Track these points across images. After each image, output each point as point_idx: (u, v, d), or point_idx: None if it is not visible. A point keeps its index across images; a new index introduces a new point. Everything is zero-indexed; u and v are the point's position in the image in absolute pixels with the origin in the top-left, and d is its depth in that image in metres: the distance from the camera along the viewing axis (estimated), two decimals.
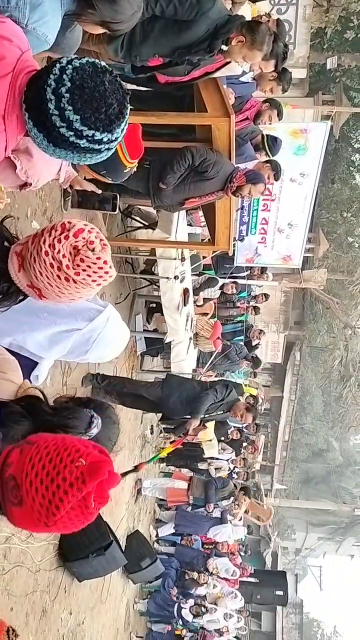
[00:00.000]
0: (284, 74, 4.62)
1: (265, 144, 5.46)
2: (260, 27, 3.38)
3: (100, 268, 1.51)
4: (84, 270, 1.51)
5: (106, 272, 1.53)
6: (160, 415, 7.41)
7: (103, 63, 1.46)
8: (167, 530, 9.05)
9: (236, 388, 8.98)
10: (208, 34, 3.24)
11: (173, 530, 9.11)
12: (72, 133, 1.40)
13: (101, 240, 1.55)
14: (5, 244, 1.64)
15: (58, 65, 1.41)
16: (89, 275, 1.51)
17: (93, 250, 1.52)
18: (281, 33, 3.87)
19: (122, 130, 1.45)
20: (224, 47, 3.30)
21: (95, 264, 1.51)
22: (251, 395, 9.65)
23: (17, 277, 1.58)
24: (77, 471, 1.21)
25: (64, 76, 1.39)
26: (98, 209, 2.82)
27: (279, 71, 4.23)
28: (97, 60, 1.45)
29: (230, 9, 4.10)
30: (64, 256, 1.50)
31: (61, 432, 1.50)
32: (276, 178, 5.70)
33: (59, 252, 1.50)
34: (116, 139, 1.45)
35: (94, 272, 1.51)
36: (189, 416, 6.08)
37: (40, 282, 1.53)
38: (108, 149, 1.46)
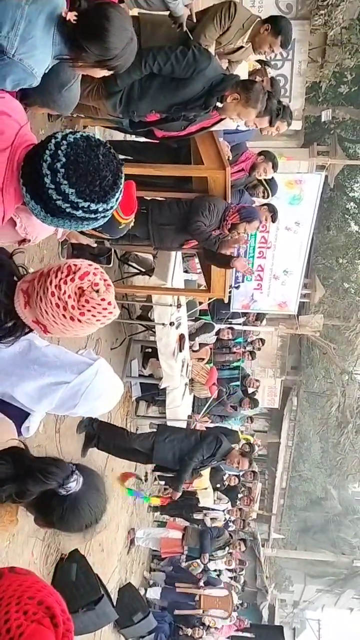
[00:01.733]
0: (284, 110, 4.70)
1: (263, 181, 5.51)
2: (254, 86, 3.50)
3: (105, 309, 1.58)
4: (88, 310, 1.57)
5: (110, 312, 1.60)
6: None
7: (97, 137, 1.55)
8: (156, 592, 8.74)
9: (232, 435, 8.91)
10: (204, 91, 3.35)
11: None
12: (68, 205, 1.46)
13: (105, 281, 1.62)
14: (14, 278, 1.70)
15: (53, 141, 1.48)
16: (94, 315, 1.58)
17: (97, 291, 1.58)
18: (275, 91, 3.99)
19: (117, 199, 1.52)
20: (219, 104, 3.40)
21: (99, 304, 1.57)
22: (247, 443, 9.54)
23: (23, 313, 1.64)
24: None
25: (59, 152, 1.46)
26: (93, 262, 2.85)
27: (275, 124, 4.31)
28: (90, 134, 1.53)
29: (227, 67, 4.24)
30: (69, 297, 1.56)
31: (38, 475, 1.49)
32: (273, 220, 5.82)
33: (64, 293, 1.56)
34: (111, 207, 1.52)
35: (99, 312, 1.58)
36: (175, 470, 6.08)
37: (45, 320, 1.60)
38: (104, 217, 1.53)
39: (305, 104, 12.49)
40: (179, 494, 6.14)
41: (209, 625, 8.81)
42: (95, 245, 2.62)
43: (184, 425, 7.43)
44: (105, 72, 2.11)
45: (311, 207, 7.51)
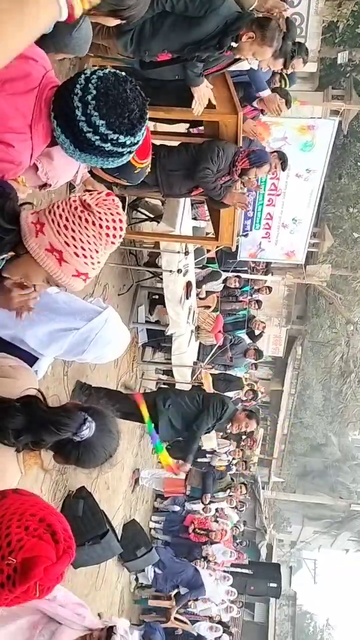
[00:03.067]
0: (300, 47, 4.53)
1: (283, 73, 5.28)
2: (270, 23, 3.38)
3: (118, 213, 1.58)
4: (104, 212, 1.55)
5: (120, 227, 1.58)
6: None
7: (123, 73, 1.56)
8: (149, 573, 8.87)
9: (235, 382, 9.05)
10: (218, 30, 3.25)
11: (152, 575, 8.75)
12: (97, 137, 1.50)
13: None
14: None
15: (83, 76, 1.52)
16: (107, 220, 1.55)
17: (117, 206, 1.60)
18: (291, 31, 3.85)
19: (143, 133, 1.53)
20: (233, 44, 3.30)
21: (115, 207, 1.58)
22: (251, 390, 9.70)
23: (34, 243, 1.57)
24: (8, 569, 1.14)
25: (89, 85, 1.49)
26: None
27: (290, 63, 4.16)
28: (117, 71, 1.55)
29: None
30: (88, 199, 1.57)
31: (52, 427, 1.54)
32: (283, 168, 5.72)
33: (85, 199, 1.57)
34: (138, 142, 1.54)
35: (112, 214, 1.56)
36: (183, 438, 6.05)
37: (60, 238, 1.54)
38: (130, 152, 1.55)
39: (321, 45, 12.04)
40: (189, 465, 6.13)
41: (209, 559, 9.20)
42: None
43: (189, 372, 7.53)
44: (118, 21, 2.07)
45: (323, 154, 7.37)
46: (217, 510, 9.55)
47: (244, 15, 3.31)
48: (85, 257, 1.56)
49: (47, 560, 1.18)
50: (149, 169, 2.44)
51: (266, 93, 4.80)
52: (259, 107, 4.86)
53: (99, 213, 1.54)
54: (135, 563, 7.82)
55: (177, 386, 8.96)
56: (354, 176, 19.26)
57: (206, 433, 6.13)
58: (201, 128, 4.92)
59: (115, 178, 2.26)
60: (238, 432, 6.24)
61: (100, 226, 1.54)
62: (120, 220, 1.58)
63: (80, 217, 1.53)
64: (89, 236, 1.55)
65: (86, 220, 1.54)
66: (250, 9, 3.63)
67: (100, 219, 1.54)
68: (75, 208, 1.54)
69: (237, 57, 3.47)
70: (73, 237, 1.54)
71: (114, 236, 1.58)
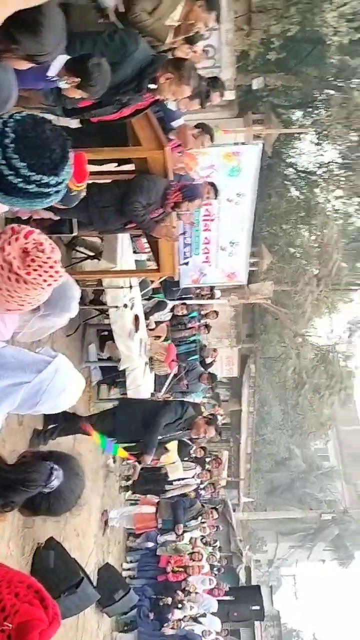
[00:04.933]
0: (215, 81, 4.72)
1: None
2: (185, 63, 3.52)
3: (51, 267, 1.57)
4: (34, 270, 1.57)
5: (57, 272, 1.59)
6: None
7: (41, 115, 1.56)
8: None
9: (195, 407, 9.07)
10: (134, 73, 3.35)
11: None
12: (20, 180, 1.49)
13: (50, 243, 1.61)
14: None
15: (0, 121, 1.51)
16: (40, 275, 1.58)
17: (43, 251, 1.60)
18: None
19: (67, 172, 1.54)
20: (151, 86, 3.41)
21: (46, 263, 1.58)
22: (210, 414, 9.73)
23: None
24: (2, 635, 1.16)
25: (7, 129, 1.49)
26: (55, 233, 2.87)
27: (205, 107, 4.36)
28: (35, 113, 1.56)
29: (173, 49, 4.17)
30: (14, 258, 1.57)
31: (20, 487, 1.52)
32: (215, 196, 5.89)
33: (9, 254, 1.57)
34: (63, 181, 1.54)
35: (45, 271, 1.58)
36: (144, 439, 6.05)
37: None
38: (57, 192, 1.55)
39: (236, 73, 12.51)
40: (150, 457, 6.05)
41: (189, 591, 9.06)
42: (57, 217, 2.65)
43: None
44: (31, 65, 2.10)
45: (251, 177, 7.62)
46: (190, 539, 9.45)
47: (159, 57, 3.43)
48: (16, 301, 1.59)
49: (41, 624, 1.17)
50: (84, 193, 2.49)
51: (178, 122, 4.93)
52: (175, 139, 5.00)
53: (29, 275, 1.55)
54: (114, 607, 7.62)
55: None
56: (282, 194, 19.93)
57: (169, 435, 6.05)
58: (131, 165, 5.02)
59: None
60: (197, 437, 6.22)
61: (33, 283, 1.56)
62: (56, 270, 1.59)
63: (9, 278, 1.55)
64: (20, 290, 1.58)
65: (17, 280, 1.55)
66: (166, 44, 3.79)
67: (33, 279, 1.55)
68: (4, 269, 1.54)
69: (157, 98, 3.58)
70: (1, 289, 1.56)
71: (50, 283, 1.60)
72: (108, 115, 3.63)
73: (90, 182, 4.71)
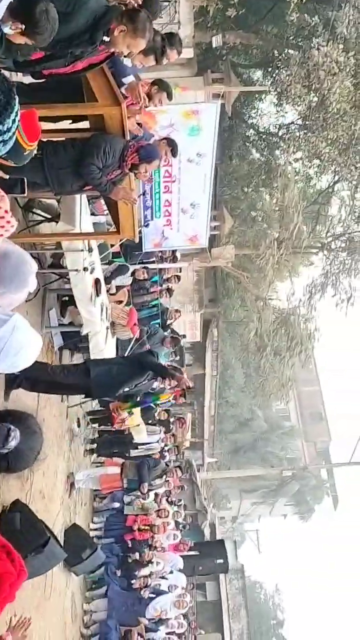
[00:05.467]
0: (172, 37, 4.57)
1: None
2: (139, 14, 3.42)
3: (2, 217, 1.54)
4: None
5: (7, 222, 1.57)
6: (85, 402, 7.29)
7: None
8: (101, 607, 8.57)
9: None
10: (88, 25, 3.24)
11: (105, 611, 8.44)
12: None
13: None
14: None
15: None
16: None
17: None
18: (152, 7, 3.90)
19: (13, 120, 1.51)
20: (105, 39, 3.31)
21: None
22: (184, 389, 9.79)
23: None
24: None
25: None
26: (7, 194, 2.80)
27: (161, 63, 4.25)
28: None
29: None
30: None
31: None
32: (173, 154, 5.80)
33: None
34: (8, 129, 1.50)
35: None
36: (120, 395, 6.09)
37: None
38: (2, 142, 1.51)
39: (194, 31, 12.26)
40: (181, 375, 6.16)
41: (155, 547, 9.28)
42: (7, 176, 2.57)
43: None
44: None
45: (211, 137, 7.55)
46: (156, 495, 9.64)
47: (113, 8, 3.32)
48: None
49: (10, 577, 1.20)
50: (35, 151, 2.43)
51: (129, 79, 4.80)
52: (130, 97, 4.88)
53: None
54: (82, 566, 7.76)
55: None
56: (243, 156, 19.83)
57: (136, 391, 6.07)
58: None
59: (2, 160, 2.22)
60: (170, 386, 6.30)
61: None
62: (7, 220, 1.56)
63: None
64: None
65: None
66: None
67: None
68: None
69: (112, 51, 3.48)
70: None
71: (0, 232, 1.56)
72: (60, 68, 3.52)
73: (45, 140, 4.61)
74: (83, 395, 6.58)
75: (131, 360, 6.13)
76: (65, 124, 4.95)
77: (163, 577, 9.42)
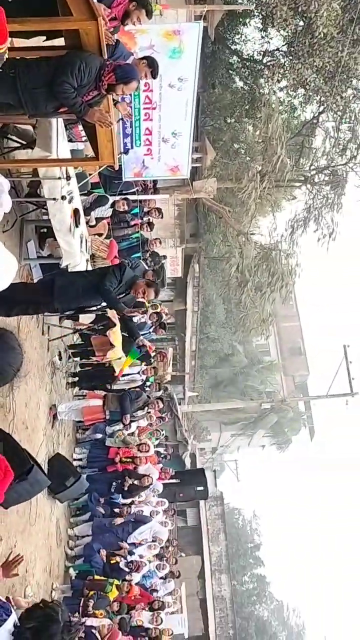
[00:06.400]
0: None
1: None
2: None
3: None
4: None
5: None
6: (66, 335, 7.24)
7: None
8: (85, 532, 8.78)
9: (139, 306, 9.10)
10: None
11: (89, 536, 8.65)
12: None
13: None
14: None
15: None
16: None
17: None
18: None
19: None
20: None
21: None
22: (155, 312, 9.79)
23: None
24: None
25: None
26: None
27: None
28: None
29: None
30: None
31: None
32: (153, 75, 5.54)
33: None
34: None
35: None
36: (89, 307, 6.04)
37: None
38: None
39: None
40: (128, 309, 5.92)
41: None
42: None
43: None
44: None
45: (193, 60, 7.24)
46: (137, 427, 9.82)
47: None
48: None
49: None
50: (7, 55, 2.28)
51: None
52: (112, 11, 4.60)
53: None
54: (65, 493, 7.98)
55: (81, 318, 8.92)
56: (227, 85, 19.12)
57: (114, 304, 5.94)
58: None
59: None
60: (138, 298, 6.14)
61: None
62: None
63: None
64: None
65: None
66: None
67: None
68: None
69: None
70: None
71: None
72: None
73: (18, 58, 4.35)
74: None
75: (99, 274, 5.95)
76: (39, 41, 4.67)
77: (145, 503, 9.74)
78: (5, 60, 2.53)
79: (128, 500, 9.33)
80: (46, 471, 6.98)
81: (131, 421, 9.20)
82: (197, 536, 21.25)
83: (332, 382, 21.94)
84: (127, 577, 8.32)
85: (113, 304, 5.88)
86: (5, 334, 1.67)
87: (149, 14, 4.91)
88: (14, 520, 5.80)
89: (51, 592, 7.33)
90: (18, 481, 5.18)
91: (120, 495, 9.18)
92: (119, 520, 8.85)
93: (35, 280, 7.62)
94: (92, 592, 7.55)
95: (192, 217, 20.13)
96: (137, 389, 9.51)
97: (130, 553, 8.66)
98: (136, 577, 8.60)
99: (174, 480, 13.19)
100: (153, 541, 9.13)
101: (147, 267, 9.70)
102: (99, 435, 9.51)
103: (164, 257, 10.92)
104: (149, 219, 10.57)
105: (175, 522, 16.59)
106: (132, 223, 10.17)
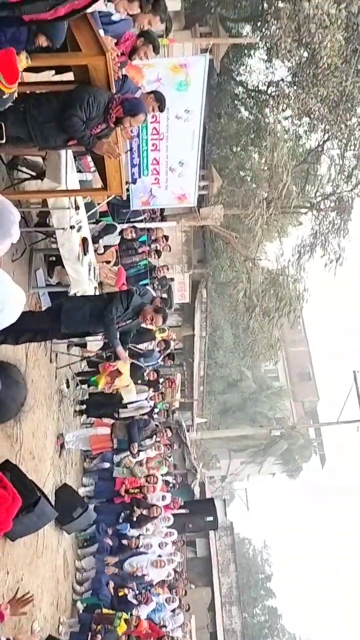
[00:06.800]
0: (157, 3, 4.50)
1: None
2: None
3: None
4: None
5: None
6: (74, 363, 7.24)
7: None
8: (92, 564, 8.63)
9: (147, 334, 9.11)
10: None
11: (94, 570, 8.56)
12: None
13: None
14: None
15: None
16: None
17: None
18: None
19: None
20: None
21: None
22: (163, 340, 9.79)
23: None
24: None
25: None
26: None
27: (147, 9, 4.12)
28: None
29: None
30: None
31: None
32: (161, 109, 5.63)
33: None
34: None
35: None
36: (95, 332, 6.06)
37: None
38: None
39: None
40: (120, 348, 5.95)
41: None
42: None
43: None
44: None
45: (199, 92, 7.35)
46: (146, 458, 9.71)
47: None
48: None
49: (6, 501, 1.20)
50: (16, 95, 2.32)
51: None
52: (120, 47, 4.70)
53: None
54: (73, 525, 7.87)
55: (89, 346, 8.93)
56: (232, 115, 19.42)
57: (118, 327, 5.91)
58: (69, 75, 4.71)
59: None
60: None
61: None
62: None
63: None
64: None
65: None
66: None
67: None
68: None
69: None
70: None
71: None
72: (41, 13, 3.34)
73: (27, 93, 4.44)
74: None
75: (105, 298, 5.98)
76: (49, 76, 4.76)
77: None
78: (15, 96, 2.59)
79: (136, 533, 9.18)
80: (53, 502, 6.90)
81: (139, 450, 9.11)
82: (207, 567, 20.84)
83: (342, 408, 21.73)
84: (135, 612, 8.14)
85: (110, 335, 5.89)
86: (10, 367, 1.65)
87: (156, 49, 5.01)
88: (21, 552, 5.71)
89: (58, 626, 7.18)
90: (25, 513, 5.15)
91: (129, 525, 9.04)
92: (112, 561, 8.66)
93: (43, 308, 7.65)
94: (100, 626, 7.37)
95: (200, 243, 20.26)
96: (146, 417, 9.44)
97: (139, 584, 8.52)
98: (145, 611, 8.42)
99: (183, 511, 13.00)
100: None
101: (155, 294, 9.73)
102: (107, 465, 9.41)
103: (171, 279, 10.94)
104: (156, 247, 10.64)
105: (185, 553, 16.29)
106: (140, 251, 10.24)
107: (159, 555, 9.25)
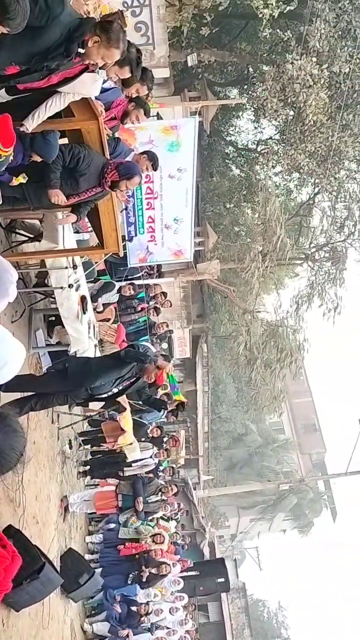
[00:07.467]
0: (144, 73, 4.72)
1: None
2: (112, 25, 3.42)
3: None
4: None
5: None
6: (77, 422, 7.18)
7: None
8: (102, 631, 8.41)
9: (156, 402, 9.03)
10: (62, 38, 3.24)
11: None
12: None
13: None
14: None
15: None
16: None
17: None
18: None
19: None
20: (80, 50, 3.31)
21: None
22: (180, 403, 9.68)
23: None
24: None
25: None
26: None
27: (137, 75, 4.33)
28: None
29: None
30: None
31: None
32: (154, 168, 5.81)
33: None
34: None
35: None
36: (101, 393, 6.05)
37: None
38: None
39: (169, 50, 12.40)
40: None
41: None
42: None
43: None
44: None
45: (190, 152, 7.60)
46: (153, 519, 9.45)
47: (86, 20, 3.33)
48: None
49: (5, 561, 1.15)
50: (12, 158, 2.40)
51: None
52: (111, 111, 4.89)
53: None
54: (79, 592, 7.56)
55: (90, 404, 8.84)
56: (224, 173, 20.03)
57: (123, 389, 5.97)
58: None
59: None
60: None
61: None
62: None
63: None
64: None
65: None
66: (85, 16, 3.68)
67: None
68: None
69: (87, 62, 3.47)
70: None
71: None
72: (35, 82, 3.50)
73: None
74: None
75: (109, 356, 6.07)
76: None
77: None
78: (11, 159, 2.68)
79: (144, 599, 8.83)
80: (58, 568, 6.66)
81: (145, 511, 8.88)
82: (221, 633, 19.88)
83: (350, 458, 21.32)
84: None
85: (135, 357, 5.92)
86: (8, 416, 1.63)
87: (147, 113, 5.21)
88: (26, 623, 5.47)
89: None
90: (29, 581, 4.97)
91: (138, 586, 8.71)
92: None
93: (44, 369, 7.64)
94: None
95: (198, 298, 20.45)
96: (150, 475, 9.26)
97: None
98: None
99: (192, 573, 12.54)
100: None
101: (155, 350, 9.72)
102: (112, 525, 9.15)
103: (171, 331, 10.96)
104: (155, 303, 10.72)
105: (197, 618, 15.60)
106: (139, 308, 10.31)
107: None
